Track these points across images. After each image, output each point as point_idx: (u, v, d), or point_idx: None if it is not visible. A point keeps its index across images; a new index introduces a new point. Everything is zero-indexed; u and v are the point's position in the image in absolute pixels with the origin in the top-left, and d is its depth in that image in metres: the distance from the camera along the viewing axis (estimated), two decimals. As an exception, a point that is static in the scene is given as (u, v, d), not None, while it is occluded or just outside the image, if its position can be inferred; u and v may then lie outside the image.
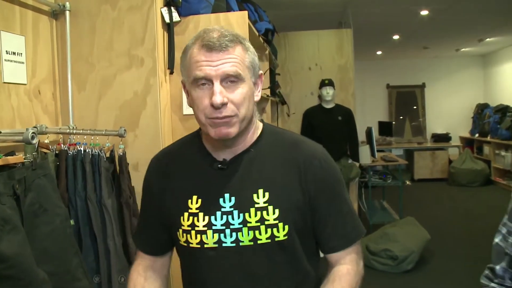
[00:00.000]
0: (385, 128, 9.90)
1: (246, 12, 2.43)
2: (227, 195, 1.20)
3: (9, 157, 1.46)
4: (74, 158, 1.81)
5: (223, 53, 1.12)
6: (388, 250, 4.51)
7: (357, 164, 5.22)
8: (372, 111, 10.40)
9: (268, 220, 1.17)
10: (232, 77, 1.13)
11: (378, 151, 6.68)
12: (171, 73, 2.34)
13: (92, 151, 1.86)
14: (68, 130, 1.97)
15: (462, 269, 4.27)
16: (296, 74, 5.52)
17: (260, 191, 1.19)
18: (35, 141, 1.41)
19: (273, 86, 4.29)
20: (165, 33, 2.32)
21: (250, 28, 2.58)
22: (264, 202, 1.18)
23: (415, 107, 10.85)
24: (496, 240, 1.11)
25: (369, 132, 6.17)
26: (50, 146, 1.85)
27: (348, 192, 5.09)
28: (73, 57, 2.23)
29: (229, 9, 2.57)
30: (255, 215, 1.17)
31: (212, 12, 2.43)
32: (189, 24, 2.39)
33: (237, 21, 2.39)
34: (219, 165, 1.22)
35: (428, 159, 9.78)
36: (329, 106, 5.15)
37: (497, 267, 1.10)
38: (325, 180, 1.24)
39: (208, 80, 1.12)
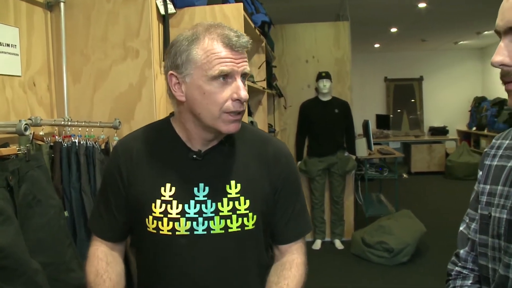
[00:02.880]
0: (382, 121, 9.93)
1: (241, 4, 2.42)
2: (201, 185, 1.25)
3: (2, 148, 1.46)
4: (69, 149, 1.81)
5: (241, 53, 1.19)
6: (384, 242, 4.55)
7: (354, 157, 5.24)
8: (370, 104, 10.42)
9: (240, 210, 1.25)
10: (246, 75, 1.21)
11: (375, 144, 6.72)
12: (166, 65, 2.34)
13: (86, 143, 1.86)
14: (63, 122, 1.97)
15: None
16: (293, 66, 5.51)
17: (233, 182, 1.27)
18: (28, 132, 1.41)
19: (270, 78, 4.29)
20: (160, 25, 2.32)
21: (245, 20, 2.58)
22: (236, 193, 1.26)
23: (412, 100, 10.87)
24: (461, 228, 1.19)
25: (366, 125, 6.19)
26: (44, 138, 1.85)
27: (345, 185, 5.16)
28: (68, 49, 2.22)
29: (224, 1, 2.56)
30: (228, 205, 1.24)
31: (207, 4, 2.42)
32: (184, 16, 2.39)
33: (232, 13, 2.39)
34: (194, 156, 1.26)
35: (425, 152, 9.82)
36: (326, 98, 5.15)
37: (461, 251, 1.17)
38: (290, 176, 1.36)
39: (229, 76, 1.17)
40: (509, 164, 1.03)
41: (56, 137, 1.88)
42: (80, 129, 1.98)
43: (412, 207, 5.53)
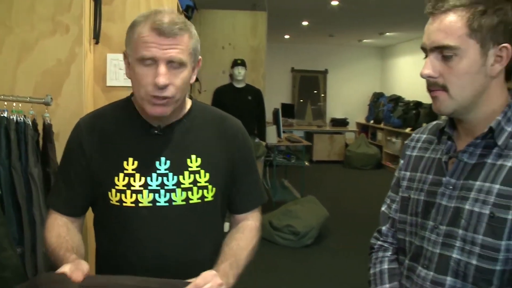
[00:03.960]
0: (287, 110, 10.25)
1: (176, -12, 2.43)
2: (163, 159, 1.31)
3: None
4: (-3, 125, 1.74)
5: (171, 39, 1.21)
6: (291, 226, 4.78)
7: (264, 143, 5.42)
8: (276, 93, 10.67)
9: (200, 182, 1.32)
10: (176, 63, 1.22)
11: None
12: (97, 43, 2.29)
13: (16, 118, 1.79)
14: (-14, 95, 1.87)
15: (355, 243, 4.64)
16: (210, 52, 5.56)
17: (193, 157, 1.33)
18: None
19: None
20: (91, 1, 2.26)
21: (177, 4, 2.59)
22: (197, 167, 1.33)
23: (316, 92, 11.34)
24: (383, 208, 1.37)
25: (276, 113, 6.40)
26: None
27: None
28: (-13, 17, 2.10)
29: (155, -18, 2.54)
30: (189, 178, 1.31)
31: (140, -16, 2.40)
32: (117, -6, 2.35)
33: (167, -5, 2.39)
34: (156, 131, 1.32)
35: (326, 142, 10.30)
36: (240, 85, 5.26)
37: (383, 228, 1.35)
38: (246, 151, 1.45)
39: (154, 61, 1.20)
40: (426, 155, 1.24)
41: (-19, 111, 1.78)
42: (6, 103, 1.89)
43: (315, 193, 5.83)
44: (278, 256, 4.58)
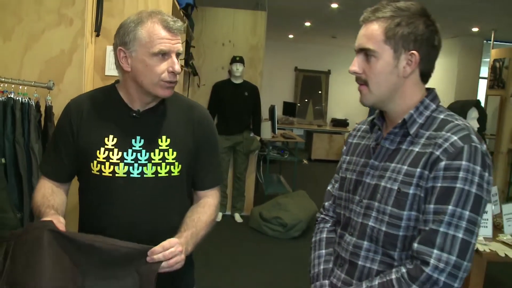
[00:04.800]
0: (289, 109, 10.47)
1: (171, -13, 2.66)
2: (138, 137, 1.55)
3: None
4: (5, 104, 1.98)
5: (176, 35, 1.50)
6: (279, 218, 5.00)
7: (258, 138, 5.64)
8: (278, 91, 10.90)
9: (168, 159, 1.55)
10: (179, 54, 1.51)
11: (280, 129, 7.19)
12: (97, 35, 2.53)
13: (21, 99, 2.03)
14: (-4, 78, 2.11)
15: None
16: (210, 48, 5.78)
17: (164, 137, 1.56)
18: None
19: (188, 57, 4.54)
20: (94, -3, 2.50)
21: (172, 1, 2.82)
22: (166, 146, 1.56)
23: (319, 92, 11.54)
24: (328, 188, 1.61)
25: (272, 109, 6.63)
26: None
27: (248, 163, 5.55)
28: (-1, 6, 2.31)
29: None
30: (159, 154, 1.54)
31: (139, -18, 2.62)
32: (118, -9, 2.58)
33: (163, -7, 2.62)
34: (134, 114, 1.56)
35: (325, 141, 10.51)
36: (237, 81, 5.49)
37: (326, 204, 1.60)
38: (210, 135, 1.69)
39: (166, 53, 1.47)
40: (362, 142, 1.48)
41: (-9, 91, 2.02)
42: (13, 86, 2.13)
43: (309, 190, 6.04)
44: (266, 246, 4.80)
